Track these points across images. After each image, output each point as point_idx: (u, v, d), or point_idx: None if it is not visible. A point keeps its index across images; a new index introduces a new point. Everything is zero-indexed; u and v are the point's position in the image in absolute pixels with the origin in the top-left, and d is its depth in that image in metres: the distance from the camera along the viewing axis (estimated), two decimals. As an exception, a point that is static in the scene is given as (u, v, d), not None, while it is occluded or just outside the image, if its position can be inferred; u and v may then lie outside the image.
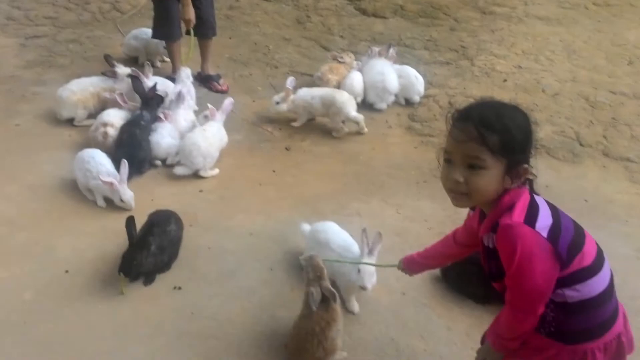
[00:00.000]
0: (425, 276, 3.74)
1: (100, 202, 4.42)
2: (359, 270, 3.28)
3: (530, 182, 2.10)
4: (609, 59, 7.10)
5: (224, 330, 3.34)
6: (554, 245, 1.94)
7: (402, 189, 4.77)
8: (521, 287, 1.98)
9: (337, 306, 3.01)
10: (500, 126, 1.95)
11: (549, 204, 2.09)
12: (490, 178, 1.99)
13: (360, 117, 5.58)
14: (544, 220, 1.97)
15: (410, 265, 2.87)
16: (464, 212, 4.33)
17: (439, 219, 4.34)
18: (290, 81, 5.59)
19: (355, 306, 3.47)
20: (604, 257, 2.12)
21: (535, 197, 2.08)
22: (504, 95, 6.12)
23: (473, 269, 3.51)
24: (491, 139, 1.94)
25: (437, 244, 2.73)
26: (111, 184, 4.24)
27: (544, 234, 1.94)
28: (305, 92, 5.67)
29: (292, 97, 5.58)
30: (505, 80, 6.52)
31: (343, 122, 5.56)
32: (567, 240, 1.98)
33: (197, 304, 3.52)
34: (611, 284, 2.11)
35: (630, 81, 6.48)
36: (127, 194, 4.35)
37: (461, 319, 3.43)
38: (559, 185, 4.73)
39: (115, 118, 5.07)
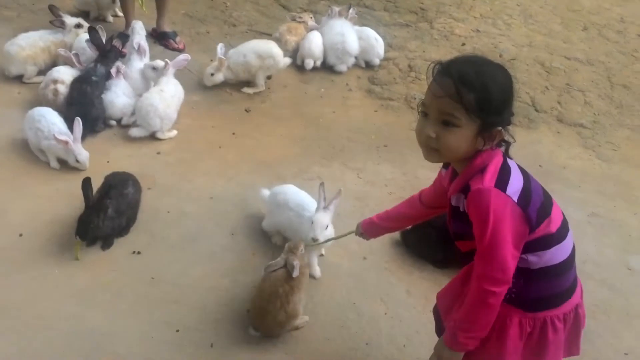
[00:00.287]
0: (385, 240, 3.80)
1: (54, 164, 4.27)
2: (312, 222, 3.28)
3: (507, 146, 2.08)
4: (564, 24, 7.19)
5: (185, 296, 3.32)
6: (524, 210, 1.93)
7: (363, 153, 4.78)
8: (495, 255, 1.94)
9: (304, 275, 3.04)
10: (478, 85, 1.90)
11: (520, 168, 2.09)
12: (461, 137, 1.96)
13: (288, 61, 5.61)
14: (515, 184, 1.96)
15: (370, 229, 2.80)
16: (424, 178, 4.44)
17: (400, 183, 4.38)
18: (220, 47, 5.36)
19: (317, 271, 3.50)
20: (568, 227, 2.13)
21: (508, 160, 2.06)
22: (462, 59, 6.15)
23: (432, 233, 3.59)
24: (467, 97, 1.90)
25: (400, 206, 2.67)
26: (66, 142, 4.09)
27: (515, 198, 1.93)
28: (235, 53, 5.45)
29: (226, 63, 5.37)
30: (463, 44, 6.54)
31: (269, 77, 5.52)
32: (536, 204, 1.98)
33: (157, 269, 3.49)
34: (572, 255, 2.14)
35: (585, 47, 6.60)
36: (83, 153, 4.21)
37: (420, 282, 3.51)
38: (514, 151, 4.70)
39: (65, 75, 4.84)
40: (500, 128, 1.99)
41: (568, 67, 6.15)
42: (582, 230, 4.02)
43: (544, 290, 2.08)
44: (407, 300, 3.37)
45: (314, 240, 3.25)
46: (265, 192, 3.86)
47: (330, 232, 3.38)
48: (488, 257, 1.96)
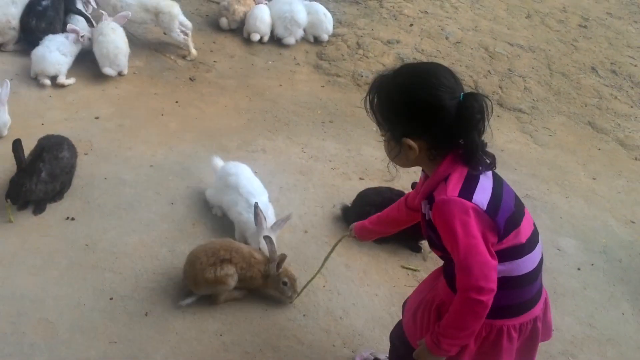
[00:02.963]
0: (326, 215, 3.82)
1: None
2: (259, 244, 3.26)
3: (469, 157, 1.93)
4: (509, 11, 7.35)
5: (120, 263, 3.24)
6: (492, 218, 1.89)
7: (308, 127, 4.77)
8: (473, 264, 1.88)
9: (251, 265, 3.07)
10: (377, 96, 1.97)
11: (495, 178, 2.03)
12: (387, 145, 2.03)
13: (188, 23, 5.46)
14: (483, 193, 1.92)
15: (362, 233, 2.73)
16: (368, 155, 4.48)
17: (343, 159, 4.40)
18: None
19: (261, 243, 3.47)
20: (538, 240, 2.09)
21: (480, 173, 1.97)
22: (409, 40, 6.22)
23: (372, 210, 3.60)
24: (372, 110, 2.00)
25: (389, 209, 2.61)
26: None
27: (483, 206, 1.89)
28: None
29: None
30: (411, 25, 6.59)
31: (185, 33, 5.38)
32: (505, 214, 1.94)
33: (91, 236, 3.39)
34: (538, 268, 2.09)
35: (527, 34, 6.77)
36: (3, 117, 4.00)
37: (359, 257, 3.54)
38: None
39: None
40: (408, 139, 1.92)
41: (510, 53, 6.30)
42: (517, 211, 4.14)
43: (504, 299, 2.01)
44: (345, 274, 3.40)
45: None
46: (218, 162, 3.77)
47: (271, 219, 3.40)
48: (466, 268, 1.91)
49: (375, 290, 3.32)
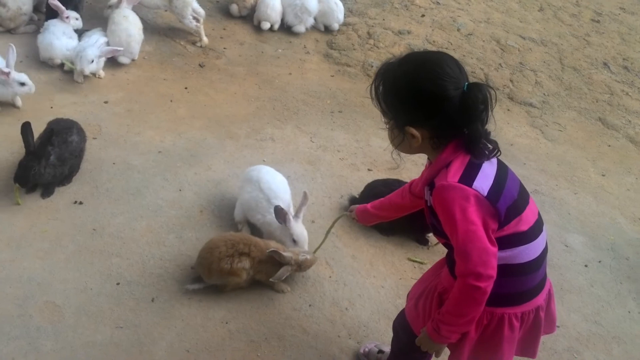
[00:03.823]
0: (333, 205, 3.81)
1: None
2: (294, 241, 3.23)
3: (471, 145, 1.93)
4: (521, 3, 7.28)
5: (127, 249, 3.25)
6: (493, 205, 1.89)
7: (317, 117, 4.75)
8: (471, 250, 1.88)
9: (265, 263, 3.05)
10: (382, 84, 1.98)
11: (499, 165, 2.02)
12: (390, 133, 2.04)
13: (201, 10, 5.41)
14: (484, 179, 1.91)
15: (363, 216, 2.71)
16: (376, 146, 4.46)
17: (351, 150, 4.38)
18: None
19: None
20: (542, 229, 2.08)
21: (482, 161, 1.95)
22: (420, 31, 6.17)
23: (380, 201, 3.61)
24: (377, 96, 2.00)
25: (392, 195, 2.60)
26: (7, 74, 3.95)
27: (484, 192, 1.88)
28: None
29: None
30: (423, 16, 6.53)
31: (197, 20, 5.34)
32: (507, 202, 1.93)
33: (99, 221, 3.39)
34: (541, 257, 2.08)
35: (540, 27, 6.71)
36: (23, 76, 4.05)
37: (366, 248, 3.54)
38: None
39: None
40: (411, 127, 1.93)
41: (522, 46, 6.24)
42: (525, 206, 4.12)
43: (504, 287, 2.01)
44: (352, 265, 3.40)
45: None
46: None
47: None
48: (465, 254, 1.91)
49: (382, 282, 3.32)
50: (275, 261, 3.03)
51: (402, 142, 2.01)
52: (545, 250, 2.10)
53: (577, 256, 3.78)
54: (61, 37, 4.63)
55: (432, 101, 1.87)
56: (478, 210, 1.88)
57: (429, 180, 2.01)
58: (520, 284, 2.06)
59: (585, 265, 3.71)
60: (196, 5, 5.32)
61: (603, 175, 4.70)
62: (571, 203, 4.28)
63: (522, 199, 2.01)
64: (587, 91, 5.75)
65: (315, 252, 3.13)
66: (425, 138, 1.95)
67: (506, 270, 1.99)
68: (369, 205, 2.66)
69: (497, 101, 1.91)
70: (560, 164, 4.76)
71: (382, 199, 2.62)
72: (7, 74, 3.94)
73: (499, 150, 1.97)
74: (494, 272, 1.89)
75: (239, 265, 2.97)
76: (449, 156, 1.94)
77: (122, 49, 4.70)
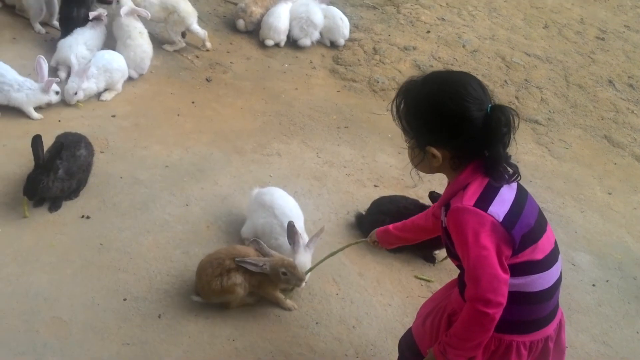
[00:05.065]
0: (340, 222, 3.80)
1: (37, 115, 4.27)
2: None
3: (496, 169, 1.91)
4: (526, 21, 7.31)
5: (134, 264, 3.24)
6: (508, 231, 1.87)
7: (323, 132, 4.75)
8: (481, 275, 1.87)
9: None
10: (404, 102, 1.97)
11: (519, 191, 2.00)
12: (410, 152, 2.04)
13: (202, 31, 5.46)
14: (501, 205, 1.89)
15: (384, 237, 2.66)
16: (382, 162, 4.46)
17: (358, 165, 4.38)
18: None
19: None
20: (557, 259, 2.05)
21: (501, 185, 1.94)
22: (426, 47, 6.20)
23: (386, 219, 3.58)
24: (398, 114, 1.99)
25: (416, 217, 2.57)
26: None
27: (499, 218, 1.86)
28: None
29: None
30: (428, 32, 6.56)
31: (183, 35, 5.43)
32: (524, 229, 1.90)
33: (106, 235, 3.38)
34: (554, 287, 2.05)
35: (545, 44, 6.73)
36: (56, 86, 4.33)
37: (373, 266, 3.52)
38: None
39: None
40: (432, 147, 1.93)
41: (527, 63, 6.26)
42: (532, 224, 4.11)
43: (515, 314, 1.99)
44: (359, 282, 3.39)
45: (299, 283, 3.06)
46: (255, 191, 3.58)
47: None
48: (475, 278, 1.89)
49: (389, 300, 3.30)
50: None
51: (422, 162, 2.00)
52: (559, 280, 2.08)
53: (584, 275, 3.76)
54: (80, 44, 4.73)
55: (454, 122, 1.87)
56: (492, 236, 1.86)
57: (446, 201, 2.00)
58: (531, 313, 2.04)
59: (593, 285, 3.70)
60: (196, 27, 5.38)
61: (609, 194, 4.69)
62: (578, 221, 4.27)
63: (539, 227, 1.99)
64: (593, 109, 5.76)
65: (308, 272, 3.07)
66: (446, 158, 1.94)
67: (518, 298, 1.96)
68: (390, 227, 2.62)
69: (519, 124, 1.91)
70: (566, 181, 4.75)
71: (404, 220, 2.58)
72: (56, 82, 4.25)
73: (519, 175, 1.96)
74: (503, 300, 1.87)
75: (230, 282, 2.94)
76: (467, 178, 1.93)
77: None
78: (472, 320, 1.92)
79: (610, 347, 3.27)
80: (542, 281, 2.00)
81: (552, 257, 2.02)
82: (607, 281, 3.76)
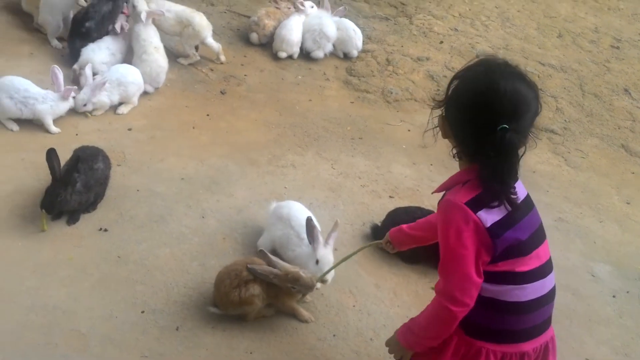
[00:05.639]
0: (356, 233, 3.80)
1: (55, 129, 4.31)
2: (317, 261, 3.14)
3: (487, 173, 1.90)
4: (540, 30, 7.29)
5: (151, 276, 3.25)
6: (492, 239, 1.87)
7: (337, 143, 4.75)
8: (454, 271, 1.90)
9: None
10: (454, 88, 2.01)
11: (526, 202, 2.01)
12: (438, 121, 2.10)
13: (217, 44, 5.48)
14: (491, 213, 1.89)
15: (398, 237, 2.66)
16: (397, 172, 4.45)
17: (373, 177, 4.37)
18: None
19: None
20: (546, 276, 2.04)
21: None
22: (439, 57, 6.20)
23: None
24: (447, 92, 2.04)
25: (431, 215, 2.58)
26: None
27: (487, 224, 1.87)
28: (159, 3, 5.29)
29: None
30: (441, 42, 6.56)
31: (196, 48, 5.45)
32: (510, 240, 1.91)
33: (123, 248, 3.40)
34: (535, 303, 2.02)
35: (559, 54, 6.70)
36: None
37: (389, 277, 3.51)
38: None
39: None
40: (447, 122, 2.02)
41: (542, 72, 6.23)
42: (549, 234, 3.96)
43: (487, 320, 2.01)
44: (375, 294, 3.37)
45: (324, 282, 3.11)
46: (273, 205, 3.60)
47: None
48: (446, 273, 1.93)
49: (406, 312, 3.28)
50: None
51: (443, 131, 2.05)
52: (544, 298, 2.04)
53: (604, 286, 3.72)
54: (103, 49, 4.87)
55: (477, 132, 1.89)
56: (474, 237, 1.87)
57: (445, 188, 2.04)
58: (504, 322, 2.03)
59: (613, 296, 3.65)
60: (210, 41, 5.41)
61: (628, 203, 4.64)
62: (596, 231, 4.23)
63: (531, 243, 1.98)
64: (609, 117, 5.72)
65: (323, 276, 3.06)
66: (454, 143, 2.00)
67: (492, 304, 1.99)
68: (404, 226, 2.64)
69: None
70: (583, 191, 4.71)
71: (418, 220, 2.61)
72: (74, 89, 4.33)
73: (514, 204, 1.92)
74: (470, 301, 1.90)
75: (247, 293, 2.94)
76: (469, 174, 1.95)
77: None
78: (435, 313, 1.99)
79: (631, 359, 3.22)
80: (518, 293, 1.99)
81: (537, 273, 2.01)
82: (627, 292, 3.71)
